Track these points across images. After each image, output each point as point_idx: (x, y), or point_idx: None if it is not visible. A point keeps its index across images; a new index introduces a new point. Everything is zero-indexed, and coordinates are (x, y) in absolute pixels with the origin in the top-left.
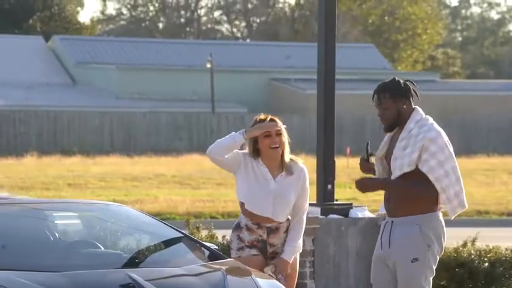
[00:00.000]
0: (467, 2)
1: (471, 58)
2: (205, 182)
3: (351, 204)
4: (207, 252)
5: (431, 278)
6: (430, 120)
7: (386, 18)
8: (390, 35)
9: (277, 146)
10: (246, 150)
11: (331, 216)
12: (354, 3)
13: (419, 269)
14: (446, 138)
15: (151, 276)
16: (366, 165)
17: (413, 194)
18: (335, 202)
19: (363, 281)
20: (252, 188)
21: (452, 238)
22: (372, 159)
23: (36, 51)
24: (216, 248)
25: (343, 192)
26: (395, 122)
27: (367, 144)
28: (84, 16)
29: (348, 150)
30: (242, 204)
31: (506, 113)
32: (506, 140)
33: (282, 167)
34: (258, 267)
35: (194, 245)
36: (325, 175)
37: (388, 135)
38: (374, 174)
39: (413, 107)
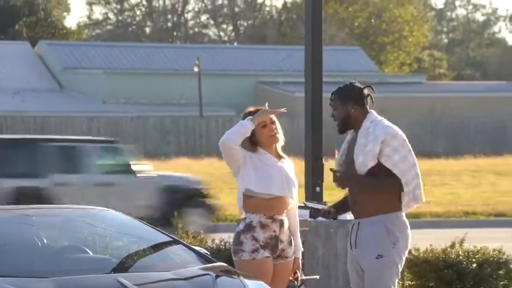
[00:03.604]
0: (453, 4)
1: (457, 60)
2: None
3: None
4: (196, 256)
5: (396, 279)
6: (385, 120)
7: (372, 20)
8: (377, 38)
9: (275, 132)
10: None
11: (320, 218)
12: (340, 6)
13: (383, 265)
14: (404, 135)
15: (141, 281)
16: (335, 212)
17: (386, 187)
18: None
19: None
20: (262, 171)
21: (441, 239)
22: (324, 207)
23: (23, 57)
24: (206, 251)
25: (332, 194)
26: (344, 123)
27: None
28: (71, 21)
29: (337, 152)
30: (250, 201)
31: (492, 114)
32: (492, 141)
33: (276, 154)
34: (270, 269)
35: (183, 249)
36: (314, 177)
37: (345, 142)
38: (342, 211)
39: (369, 110)
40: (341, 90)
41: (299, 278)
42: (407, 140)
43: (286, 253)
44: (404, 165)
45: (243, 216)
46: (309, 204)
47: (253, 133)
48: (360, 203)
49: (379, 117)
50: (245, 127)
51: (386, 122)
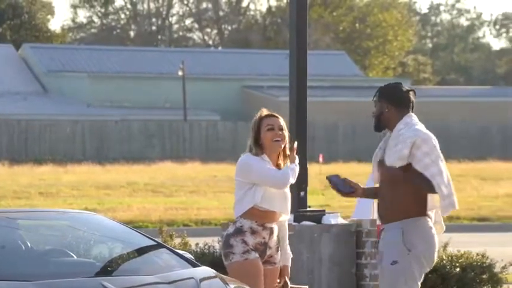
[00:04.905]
0: (437, 8)
1: (441, 64)
2: (178, 190)
3: (324, 211)
4: (180, 260)
5: (414, 285)
6: (421, 124)
7: (357, 25)
8: (361, 42)
9: (280, 139)
10: (248, 153)
11: (304, 223)
12: (325, 10)
13: (397, 272)
14: (436, 141)
15: (125, 285)
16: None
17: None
18: (308, 209)
19: (336, 287)
20: (264, 187)
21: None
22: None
23: (7, 60)
24: (190, 255)
25: (316, 199)
26: (378, 121)
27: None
28: (55, 24)
29: (321, 157)
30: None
31: (476, 119)
32: (476, 145)
33: (277, 166)
34: (262, 269)
35: (167, 252)
36: (298, 182)
37: (383, 140)
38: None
39: (409, 114)
40: (381, 88)
41: (289, 286)
42: (438, 147)
43: (273, 259)
44: (435, 169)
45: (235, 218)
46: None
47: (258, 136)
48: (383, 209)
49: (415, 121)
50: (296, 172)
51: (419, 126)
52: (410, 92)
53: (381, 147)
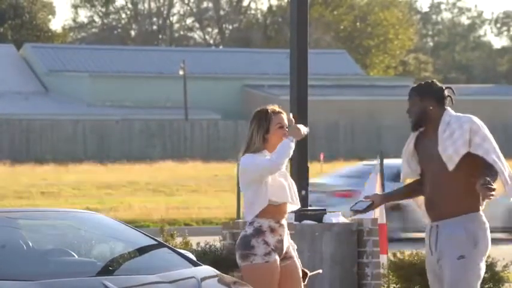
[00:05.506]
0: (438, 7)
1: (442, 63)
2: (179, 189)
3: (325, 209)
4: (181, 260)
5: (478, 282)
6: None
7: (358, 24)
8: (362, 41)
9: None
10: (247, 154)
11: (306, 222)
12: (325, 9)
13: (466, 266)
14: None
15: (126, 284)
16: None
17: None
18: (309, 208)
19: (337, 286)
20: (277, 180)
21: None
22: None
23: (8, 60)
24: (191, 254)
25: None
26: (419, 120)
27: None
28: (56, 24)
29: (322, 156)
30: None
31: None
32: None
33: None
34: (278, 273)
35: (168, 252)
36: (299, 181)
37: (412, 135)
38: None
39: (447, 108)
40: (421, 86)
41: (308, 274)
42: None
43: (289, 254)
44: (495, 154)
45: (249, 220)
46: (359, 208)
47: (267, 130)
48: (438, 205)
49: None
50: (291, 148)
51: (469, 115)
52: (448, 90)
53: (411, 140)
